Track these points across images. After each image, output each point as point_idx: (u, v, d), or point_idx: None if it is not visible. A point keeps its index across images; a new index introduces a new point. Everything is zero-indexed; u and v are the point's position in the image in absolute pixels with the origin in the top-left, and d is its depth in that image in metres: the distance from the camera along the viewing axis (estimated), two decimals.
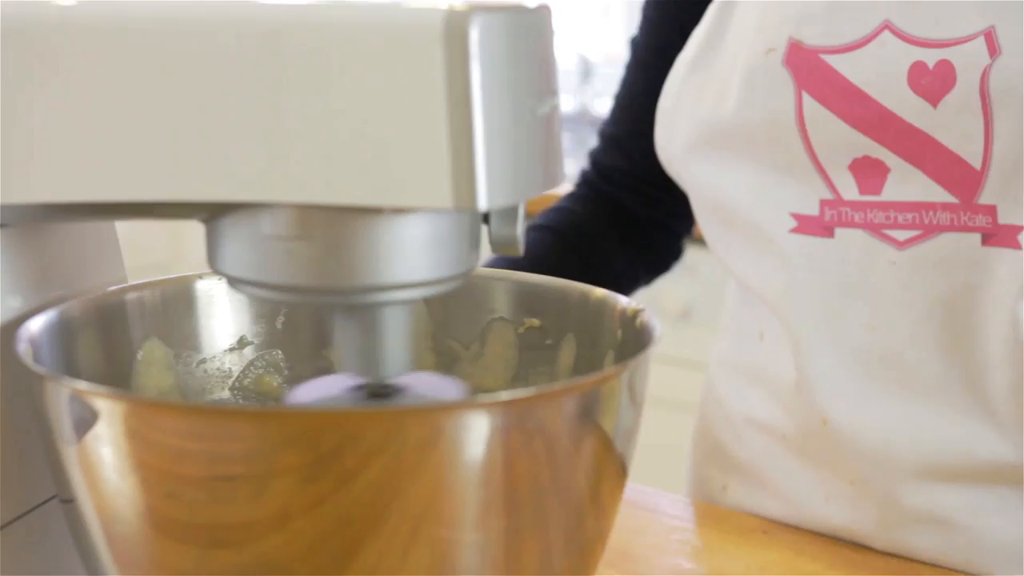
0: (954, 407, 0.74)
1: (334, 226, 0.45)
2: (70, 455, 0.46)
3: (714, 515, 0.85)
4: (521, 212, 0.49)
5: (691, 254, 1.10)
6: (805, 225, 0.77)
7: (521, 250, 0.49)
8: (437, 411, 0.43)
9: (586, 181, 1.01)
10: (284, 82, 0.43)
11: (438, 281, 0.47)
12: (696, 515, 0.84)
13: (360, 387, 0.50)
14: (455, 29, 0.42)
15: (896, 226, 0.74)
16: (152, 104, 0.45)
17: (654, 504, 0.85)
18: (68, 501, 0.49)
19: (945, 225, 0.73)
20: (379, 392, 0.50)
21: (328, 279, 0.45)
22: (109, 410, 0.43)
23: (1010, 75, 0.69)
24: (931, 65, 0.71)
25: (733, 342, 0.87)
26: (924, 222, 0.73)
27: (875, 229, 0.75)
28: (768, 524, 0.82)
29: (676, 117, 0.83)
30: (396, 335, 0.48)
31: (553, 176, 0.48)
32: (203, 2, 0.45)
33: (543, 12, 0.46)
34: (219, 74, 0.44)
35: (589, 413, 0.45)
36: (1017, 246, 0.71)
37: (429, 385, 0.52)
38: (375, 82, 0.42)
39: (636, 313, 0.54)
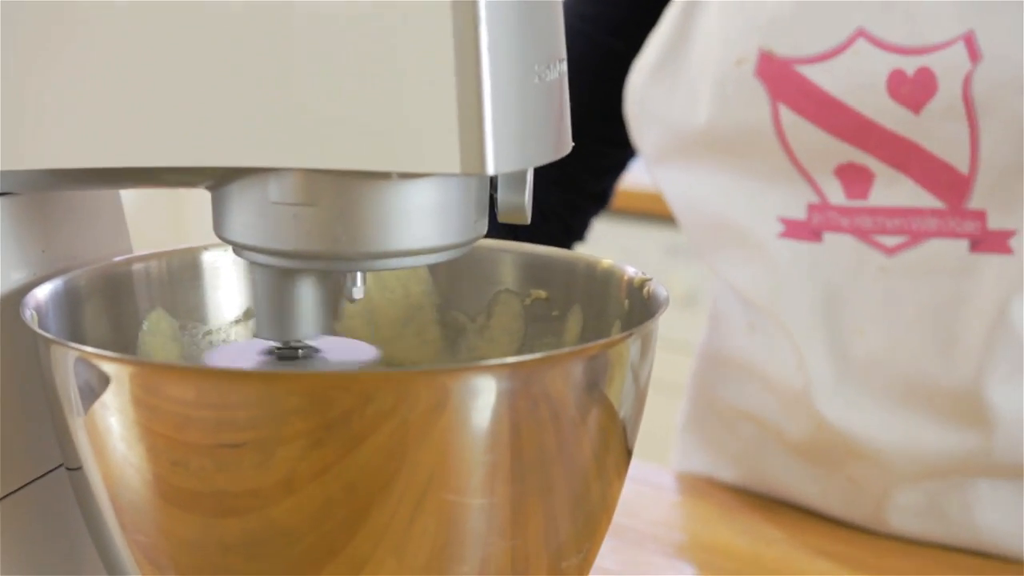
0: (947, 412, 0.74)
1: (341, 192, 0.45)
2: (75, 421, 0.46)
3: (718, 492, 0.85)
4: (529, 180, 0.49)
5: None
6: (793, 230, 0.76)
7: (528, 218, 0.49)
8: (444, 374, 0.42)
9: None
10: (291, 46, 0.43)
11: (446, 248, 0.47)
12: (700, 491, 0.85)
13: (271, 351, 0.50)
14: None
15: (884, 232, 0.73)
16: (157, 68, 0.44)
17: (658, 480, 0.85)
18: (74, 469, 0.49)
19: (932, 231, 0.72)
20: (289, 355, 0.50)
21: (335, 245, 0.45)
22: (115, 373, 0.43)
23: (994, 80, 0.67)
24: (910, 72, 0.69)
25: (722, 333, 0.86)
26: (912, 228, 0.72)
27: (863, 235, 0.74)
28: (772, 502, 0.82)
29: (644, 122, 0.81)
30: (309, 297, 0.48)
31: (561, 143, 0.48)
32: None
33: None
34: (225, 38, 0.44)
35: (596, 380, 0.45)
36: (1007, 251, 0.70)
37: (342, 348, 0.52)
38: (383, 46, 0.42)
39: (643, 283, 0.54)
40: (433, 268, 0.61)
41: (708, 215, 0.80)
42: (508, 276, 0.60)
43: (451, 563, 0.44)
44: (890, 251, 0.73)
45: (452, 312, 0.61)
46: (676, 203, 0.83)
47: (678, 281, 2.07)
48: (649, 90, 0.80)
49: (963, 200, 0.70)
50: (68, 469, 0.50)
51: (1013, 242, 0.70)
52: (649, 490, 0.83)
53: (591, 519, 0.49)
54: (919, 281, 0.73)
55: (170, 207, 2.58)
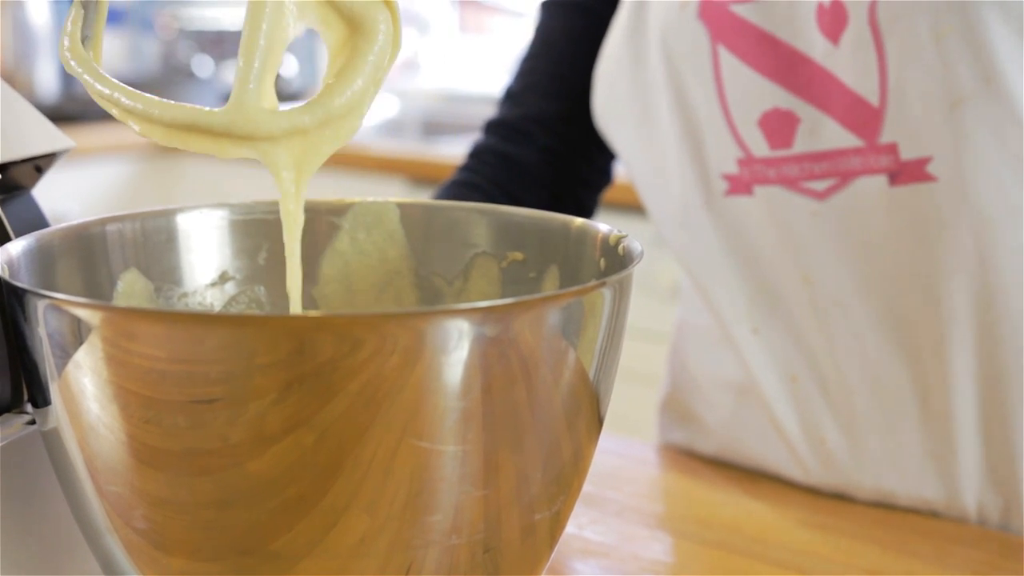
0: (906, 346, 0.75)
1: None
2: (47, 376, 0.46)
3: (699, 464, 0.84)
4: None
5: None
6: (735, 186, 0.77)
7: None
8: (418, 316, 0.42)
9: (478, 153, 0.97)
10: None
11: None
12: (681, 464, 0.84)
13: None
14: None
15: (812, 177, 0.74)
16: None
17: (639, 454, 0.85)
18: (48, 429, 0.48)
19: (857, 169, 0.73)
20: None
21: None
22: (86, 320, 0.43)
23: (896, 5, 0.69)
24: (827, 4, 0.72)
25: (690, 305, 0.87)
26: (839, 169, 0.73)
27: (791, 183, 0.75)
28: (752, 473, 0.82)
29: (618, 79, 0.83)
30: None
31: None
32: None
33: None
34: None
35: (569, 328, 0.45)
36: (928, 178, 0.71)
37: None
38: None
39: (618, 240, 0.54)
40: (409, 232, 0.61)
41: (660, 177, 0.81)
42: (484, 238, 0.60)
43: (425, 512, 0.44)
44: (821, 195, 0.74)
45: (429, 276, 0.61)
46: (633, 167, 0.84)
47: (664, 273, 2.07)
48: (624, 48, 0.82)
49: (877, 135, 0.72)
50: (41, 430, 0.50)
51: (932, 168, 0.70)
52: (630, 463, 0.83)
53: (562, 476, 0.49)
54: (854, 221, 0.74)
55: (161, 184, 2.58)
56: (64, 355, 0.44)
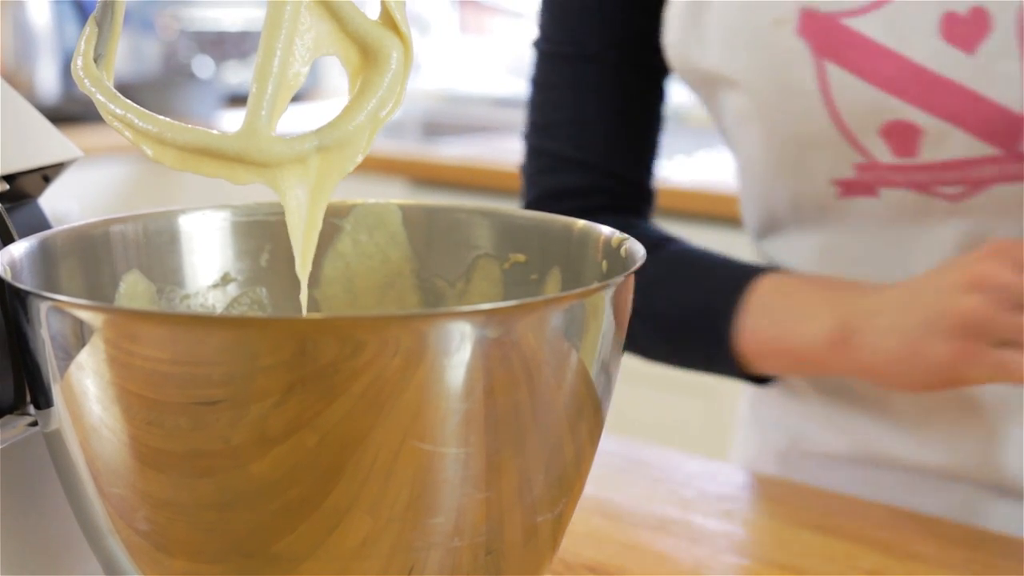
0: None
1: None
2: (50, 377, 0.46)
3: (705, 468, 0.85)
4: None
5: (693, 238, 1.07)
6: (849, 188, 0.75)
7: None
8: (420, 319, 0.42)
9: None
10: None
11: None
12: (688, 469, 0.84)
13: None
14: None
15: (944, 183, 0.72)
16: None
17: (639, 455, 0.85)
18: (50, 431, 0.48)
19: (994, 176, 0.71)
20: None
21: None
22: (88, 322, 0.43)
23: None
24: (964, 12, 0.69)
25: None
26: (971, 178, 0.71)
27: (922, 187, 0.73)
28: (762, 478, 0.82)
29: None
30: None
31: None
32: None
33: None
34: None
35: (571, 330, 0.45)
36: None
37: None
38: None
39: (620, 242, 0.54)
40: (411, 234, 0.61)
41: (768, 177, 0.80)
42: (486, 240, 0.60)
43: (427, 514, 0.44)
44: (953, 199, 0.72)
45: (431, 278, 0.61)
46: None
47: None
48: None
49: (1019, 141, 0.70)
50: (43, 432, 0.50)
51: None
52: (629, 463, 0.83)
53: (564, 478, 0.49)
54: (991, 220, 0.72)
55: (162, 186, 2.58)
56: (66, 357, 0.44)
